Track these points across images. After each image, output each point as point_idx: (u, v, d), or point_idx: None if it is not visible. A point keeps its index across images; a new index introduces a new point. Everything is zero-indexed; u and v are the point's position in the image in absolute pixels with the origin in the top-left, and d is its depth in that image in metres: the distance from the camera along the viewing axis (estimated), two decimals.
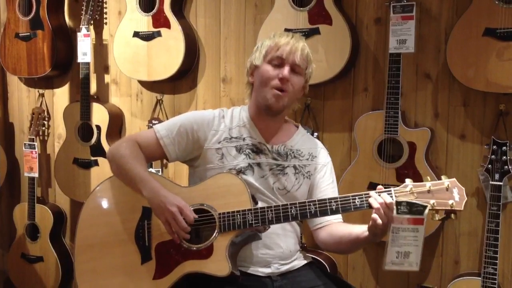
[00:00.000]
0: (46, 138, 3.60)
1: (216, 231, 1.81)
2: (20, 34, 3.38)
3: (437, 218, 1.68)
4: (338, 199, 1.76)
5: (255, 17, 2.96)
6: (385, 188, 1.73)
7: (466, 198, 1.67)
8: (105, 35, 3.35)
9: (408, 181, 1.71)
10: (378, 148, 2.58)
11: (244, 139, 1.98)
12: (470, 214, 2.61)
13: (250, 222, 1.78)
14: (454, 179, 1.69)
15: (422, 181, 1.71)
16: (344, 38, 2.60)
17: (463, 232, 2.64)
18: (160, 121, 2.81)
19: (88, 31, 3.20)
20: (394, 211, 1.63)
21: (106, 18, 3.33)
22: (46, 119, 3.52)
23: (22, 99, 3.67)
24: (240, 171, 1.93)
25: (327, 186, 2.04)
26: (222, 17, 3.06)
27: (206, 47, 3.10)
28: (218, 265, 1.77)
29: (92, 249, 1.91)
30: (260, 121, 2.00)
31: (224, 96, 3.08)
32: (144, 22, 3.03)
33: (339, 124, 2.83)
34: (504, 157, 2.33)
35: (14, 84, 3.69)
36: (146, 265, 1.86)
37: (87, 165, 3.27)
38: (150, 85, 3.25)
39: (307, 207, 1.77)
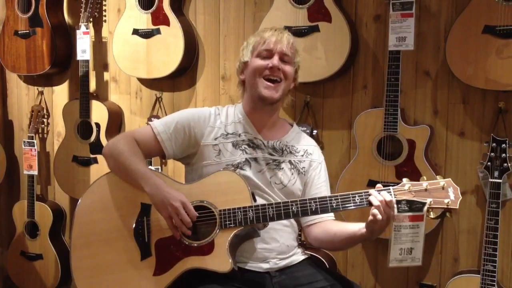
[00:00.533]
0: (45, 135, 3.60)
1: (217, 227, 1.82)
2: (19, 32, 3.37)
3: (432, 216, 1.72)
4: (339, 197, 1.78)
5: (255, 14, 2.96)
6: (383, 186, 1.77)
7: (460, 197, 1.71)
8: (104, 32, 3.35)
9: (405, 180, 1.76)
10: (378, 146, 2.59)
11: (240, 135, 2.00)
12: (470, 211, 2.61)
13: (250, 219, 1.80)
14: (450, 179, 1.74)
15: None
16: (344, 36, 2.60)
17: (462, 230, 2.64)
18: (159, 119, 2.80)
19: (87, 28, 3.20)
20: (395, 210, 1.68)
21: (105, 16, 3.33)
22: (46, 116, 3.52)
23: (21, 97, 3.67)
24: (237, 167, 1.94)
25: (322, 183, 2.07)
26: (222, 14, 3.06)
27: (206, 44, 3.10)
28: (219, 261, 1.78)
29: (89, 246, 1.91)
30: (255, 116, 2.02)
31: (223, 93, 3.08)
32: (144, 20, 3.03)
33: (338, 122, 2.83)
34: (504, 155, 2.33)
35: (13, 81, 3.69)
36: (146, 261, 1.86)
37: (87, 162, 3.27)
38: (149, 83, 3.25)
39: (308, 204, 1.79)
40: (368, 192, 1.75)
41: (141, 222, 1.88)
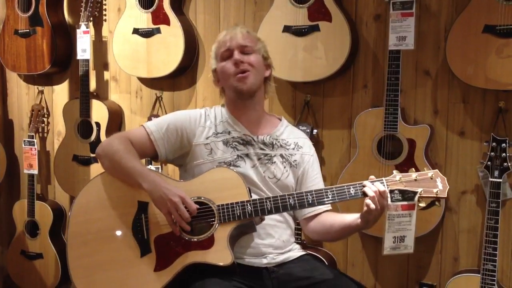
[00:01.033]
0: (45, 135, 3.60)
1: (216, 222, 1.84)
2: (19, 31, 3.37)
3: (423, 205, 1.80)
4: (334, 189, 1.83)
5: (255, 14, 2.96)
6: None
7: (448, 186, 1.79)
8: (105, 32, 3.35)
9: (395, 172, 1.84)
10: (378, 145, 2.59)
11: (229, 132, 2.03)
12: (470, 211, 2.61)
13: (249, 212, 1.83)
14: (437, 170, 1.83)
15: None
16: (344, 35, 2.60)
17: (462, 229, 2.64)
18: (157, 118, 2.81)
19: (87, 28, 3.20)
20: (388, 199, 1.76)
21: (105, 15, 3.33)
22: (46, 116, 3.53)
23: (22, 96, 3.67)
24: (230, 164, 1.96)
25: (316, 175, 2.11)
26: (222, 14, 3.06)
27: (206, 44, 3.10)
28: (220, 254, 1.80)
29: (86, 244, 1.91)
30: (239, 113, 2.05)
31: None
32: (144, 19, 3.03)
33: (338, 121, 2.83)
34: (504, 154, 2.33)
35: (14, 81, 3.69)
36: (146, 258, 1.86)
37: (87, 162, 3.27)
38: (149, 82, 3.25)
39: (305, 197, 1.83)
40: (362, 183, 1.82)
41: (139, 220, 1.90)
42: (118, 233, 1.90)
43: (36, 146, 3.41)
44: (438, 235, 2.68)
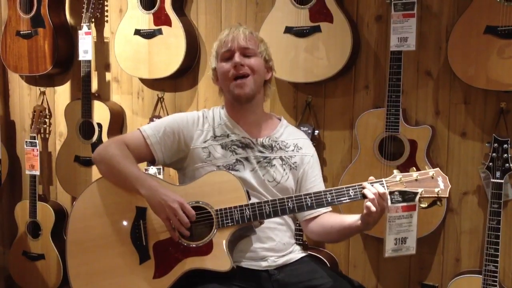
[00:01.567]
0: (47, 136, 3.60)
1: (214, 227, 1.82)
2: (21, 32, 3.38)
3: (424, 206, 1.77)
4: (333, 191, 1.81)
5: (256, 14, 2.96)
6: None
7: (450, 186, 1.77)
8: (106, 33, 3.36)
9: (396, 171, 1.81)
10: (379, 146, 2.59)
11: (228, 135, 2.00)
12: (471, 212, 2.61)
13: (247, 217, 1.81)
14: (438, 168, 1.80)
15: None
16: (345, 36, 2.60)
17: (464, 230, 2.64)
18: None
19: (89, 29, 3.20)
20: (388, 201, 1.72)
21: (107, 16, 3.33)
22: (48, 117, 3.53)
23: (23, 97, 3.68)
24: (229, 168, 1.94)
25: (316, 177, 2.08)
26: (223, 15, 3.06)
27: (207, 44, 3.10)
28: (219, 260, 1.78)
29: (86, 252, 1.90)
30: (238, 116, 2.03)
31: None
32: (145, 20, 3.03)
33: (340, 122, 2.83)
34: (505, 155, 2.33)
35: (15, 82, 3.70)
36: (145, 265, 1.85)
37: (88, 163, 3.27)
38: (151, 83, 3.25)
39: (303, 200, 1.81)
40: (361, 184, 1.79)
41: (138, 226, 1.88)
42: (117, 239, 1.88)
43: (38, 147, 3.41)
44: (440, 236, 2.68)
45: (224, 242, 1.79)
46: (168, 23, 2.99)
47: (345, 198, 1.80)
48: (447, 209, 2.61)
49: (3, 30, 3.46)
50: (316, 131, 2.71)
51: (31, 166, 3.41)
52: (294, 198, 1.82)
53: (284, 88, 2.87)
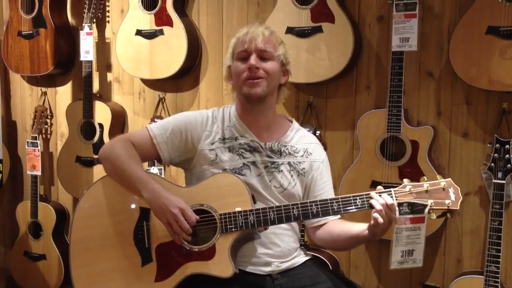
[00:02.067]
0: (48, 136, 3.60)
1: (217, 232, 1.80)
2: (22, 33, 3.38)
3: (433, 217, 1.73)
4: (340, 200, 1.77)
5: (258, 15, 2.96)
6: (385, 187, 1.76)
7: (461, 198, 1.72)
8: (108, 33, 3.36)
9: (406, 181, 1.75)
10: (381, 147, 2.58)
11: (236, 138, 1.96)
12: (473, 212, 2.60)
13: (251, 222, 1.78)
14: (450, 179, 1.74)
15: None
16: (347, 36, 2.60)
17: (465, 231, 2.63)
18: (162, 119, 2.80)
19: (90, 29, 3.20)
20: (397, 213, 1.68)
21: (108, 16, 3.33)
22: (49, 117, 3.53)
23: (25, 97, 3.68)
24: (236, 172, 1.90)
25: (324, 183, 2.03)
26: (225, 15, 3.06)
27: (209, 45, 3.10)
28: (221, 266, 1.76)
29: (89, 252, 1.88)
30: (248, 118, 1.98)
31: (226, 94, 3.03)
32: (147, 20, 3.03)
33: (341, 122, 2.83)
34: (507, 156, 2.33)
35: (17, 82, 3.70)
36: (147, 268, 1.83)
37: (90, 163, 3.27)
38: (152, 83, 3.25)
39: (309, 207, 1.78)
40: (369, 194, 1.74)
41: (141, 227, 1.86)
42: (120, 240, 1.86)
43: (39, 147, 3.41)
44: (442, 236, 2.68)
45: (227, 247, 1.77)
46: (170, 23, 2.99)
47: (351, 207, 1.76)
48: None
49: (4, 31, 3.46)
50: (318, 132, 2.70)
51: (33, 166, 3.41)
52: (299, 205, 1.78)
53: (286, 88, 2.87)
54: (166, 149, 1.95)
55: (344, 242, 1.94)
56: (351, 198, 1.76)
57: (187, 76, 3.15)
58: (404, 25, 2.47)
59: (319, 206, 1.77)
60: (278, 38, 1.98)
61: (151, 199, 1.82)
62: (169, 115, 3.16)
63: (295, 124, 2.08)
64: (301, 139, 2.04)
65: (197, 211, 1.81)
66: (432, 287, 2.70)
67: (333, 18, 2.62)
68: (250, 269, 1.89)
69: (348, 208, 1.76)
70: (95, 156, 3.24)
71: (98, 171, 3.23)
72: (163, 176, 2.93)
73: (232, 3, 3.03)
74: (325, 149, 2.82)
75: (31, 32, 3.35)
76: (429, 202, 1.70)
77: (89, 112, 3.23)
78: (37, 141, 3.42)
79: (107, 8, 3.31)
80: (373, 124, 2.61)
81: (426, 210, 1.69)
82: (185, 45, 2.95)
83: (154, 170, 2.89)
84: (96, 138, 3.24)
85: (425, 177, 1.75)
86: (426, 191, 1.72)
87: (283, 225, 1.92)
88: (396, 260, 1.72)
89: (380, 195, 1.72)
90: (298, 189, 1.98)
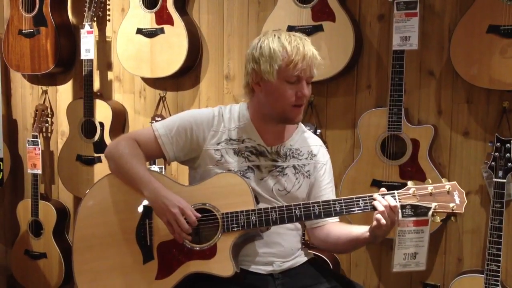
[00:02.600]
0: (49, 135, 3.61)
1: (219, 231, 1.80)
2: (23, 31, 3.38)
3: (437, 220, 1.71)
4: (342, 201, 1.76)
5: (258, 14, 2.96)
6: (387, 186, 1.75)
7: (466, 201, 1.70)
8: (108, 32, 3.36)
9: (410, 183, 1.74)
10: (382, 145, 2.58)
11: (243, 141, 1.94)
12: (474, 211, 2.60)
13: (253, 222, 1.78)
14: (455, 182, 1.72)
15: (425, 178, 1.74)
16: (347, 35, 2.60)
17: (466, 230, 2.63)
18: (163, 118, 2.80)
19: (91, 28, 3.20)
20: (400, 215, 1.67)
21: (109, 15, 3.33)
22: (50, 116, 3.53)
23: (26, 96, 3.68)
24: (240, 174, 1.89)
25: (326, 185, 2.02)
26: (225, 14, 3.06)
27: (209, 44, 3.10)
28: (222, 265, 1.77)
29: (92, 249, 1.89)
30: (262, 125, 1.94)
31: (227, 93, 3.08)
32: (147, 19, 3.03)
33: (342, 121, 2.83)
34: (508, 154, 2.33)
35: (18, 81, 3.70)
36: (148, 265, 1.84)
37: (90, 161, 3.27)
38: (153, 82, 3.25)
39: (311, 208, 1.77)
40: (372, 196, 1.74)
41: (143, 225, 1.87)
42: (122, 238, 1.87)
43: (40, 146, 3.41)
44: (442, 235, 2.68)
45: (228, 247, 1.78)
46: (170, 22, 2.99)
47: (354, 209, 1.75)
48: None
49: (5, 29, 3.46)
50: (318, 131, 2.70)
51: (33, 165, 3.41)
52: (302, 206, 1.78)
53: None
54: (171, 149, 1.94)
55: (344, 245, 1.93)
56: (354, 199, 1.75)
57: (187, 75, 3.15)
58: (404, 24, 2.47)
59: (321, 207, 1.77)
60: (320, 60, 1.89)
61: (152, 198, 1.83)
62: (170, 114, 3.16)
63: (301, 127, 2.06)
64: (305, 141, 2.03)
65: (199, 210, 1.82)
66: (432, 286, 2.70)
67: (333, 17, 2.62)
68: (251, 268, 1.88)
69: (351, 209, 1.75)
70: (96, 155, 3.24)
71: (99, 169, 3.23)
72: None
73: (233, 1, 3.03)
74: (326, 148, 2.84)
75: (32, 30, 3.35)
76: (433, 205, 1.68)
77: (89, 110, 3.23)
78: (37, 139, 3.42)
79: (108, 7, 3.31)
80: (374, 123, 2.61)
81: (430, 213, 1.67)
82: (186, 43, 2.95)
83: (155, 169, 2.89)
84: (96, 137, 3.24)
85: (429, 180, 1.74)
86: (430, 193, 1.70)
87: (287, 225, 1.91)
88: (398, 263, 1.71)
89: (383, 197, 1.71)
90: (302, 191, 1.97)
